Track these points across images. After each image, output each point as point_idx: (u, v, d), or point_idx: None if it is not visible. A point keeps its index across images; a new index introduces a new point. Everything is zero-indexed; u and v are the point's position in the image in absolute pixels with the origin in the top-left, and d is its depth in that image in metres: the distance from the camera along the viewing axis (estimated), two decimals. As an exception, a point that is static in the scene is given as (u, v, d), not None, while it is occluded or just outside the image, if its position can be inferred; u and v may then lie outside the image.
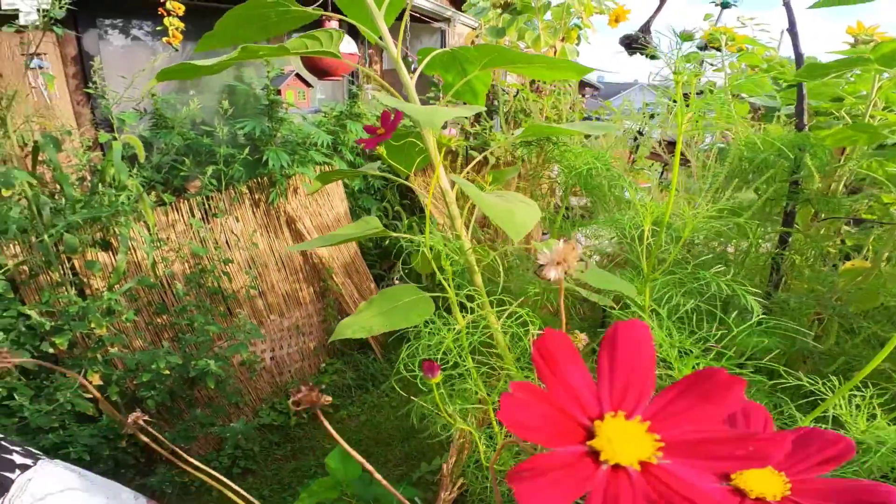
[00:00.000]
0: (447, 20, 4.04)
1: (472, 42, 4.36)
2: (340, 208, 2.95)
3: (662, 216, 0.69)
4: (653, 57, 1.81)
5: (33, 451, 0.73)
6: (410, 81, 1.01)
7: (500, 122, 4.11)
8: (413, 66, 3.63)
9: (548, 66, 0.90)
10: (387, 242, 3.20)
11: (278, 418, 2.69)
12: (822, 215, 1.20)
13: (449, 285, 0.80)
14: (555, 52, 4.13)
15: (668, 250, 0.76)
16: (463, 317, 0.88)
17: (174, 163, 2.28)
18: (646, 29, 1.53)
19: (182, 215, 2.33)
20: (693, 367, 0.58)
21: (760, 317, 0.64)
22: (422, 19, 3.73)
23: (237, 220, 2.49)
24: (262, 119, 2.46)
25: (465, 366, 0.79)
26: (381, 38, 1.03)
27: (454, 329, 0.80)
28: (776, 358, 0.77)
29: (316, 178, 1.18)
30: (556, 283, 0.46)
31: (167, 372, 2.10)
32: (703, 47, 2.43)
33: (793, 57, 1.39)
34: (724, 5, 2.59)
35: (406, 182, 1.10)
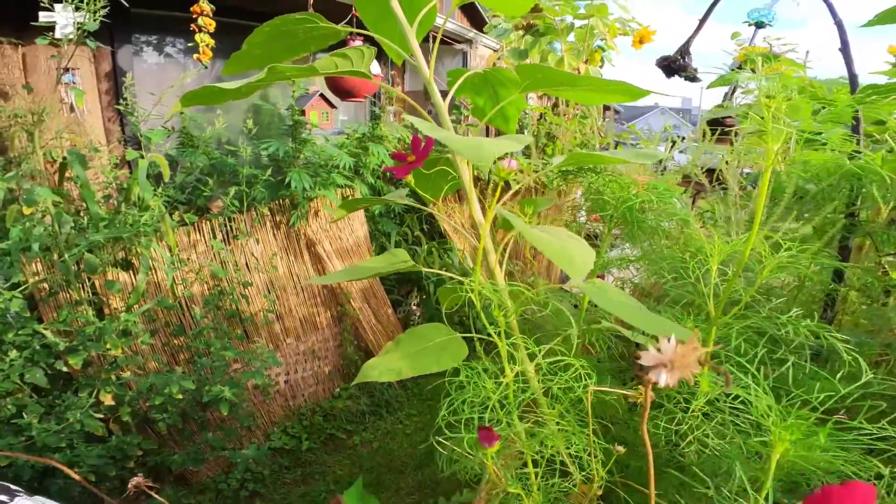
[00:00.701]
0: (469, 42, 4.04)
1: (494, 64, 4.34)
2: (360, 232, 2.91)
3: (735, 255, 0.61)
4: (693, 79, 1.73)
5: (11, 487, 0.68)
6: (443, 105, 0.95)
7: (531, 147, 4.06)
8: (440, 90, 3.61)
9: (597, 89, 0.83)
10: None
11: (290, 442, 2.63)
12: (885, 249, 1.10)
13: (498, 336, 0.73)
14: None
15: (738, 292, 0.68)
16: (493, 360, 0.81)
17: (198, 182, 2.26)
18: (685, 50, 1.47)
19: (204, 236, 2.30)
20: (798, 435, 0.50)
21: (868, 377, 0.55)
22: (444, 40, 3.73)
23: (258, 243, 2.45)
24: (286, 140, 2.44)
25: (510, 423, 0.72)
26: (411, 56, 0.98)
27: (497, 380, 0.73)
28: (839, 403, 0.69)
29: (340, 205, 1.12)
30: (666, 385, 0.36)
31: (180, 396, 2.04)
32: (739, 68, 2.34)
33: (823, 78, 1.30)
34: (759, 25, 2.51)
35: (428, 209, 1.04)
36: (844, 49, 1.60)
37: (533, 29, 3.98)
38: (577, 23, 3.88)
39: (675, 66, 1.69)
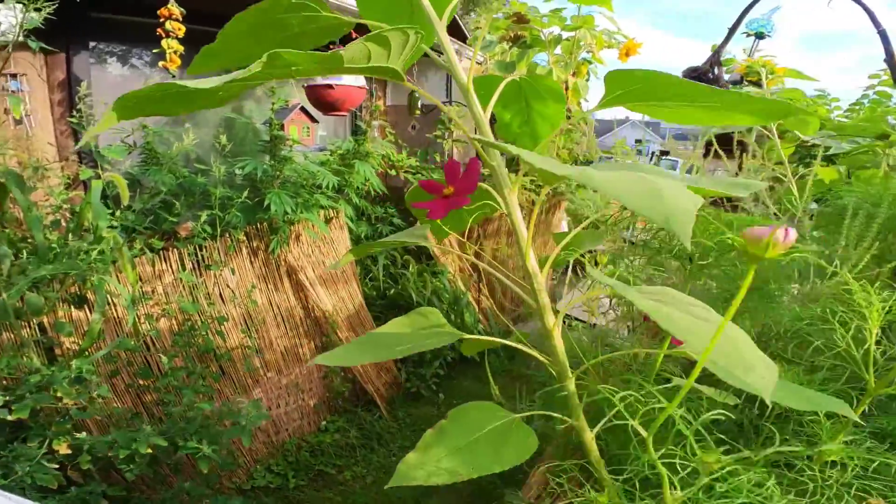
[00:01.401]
0: (456, 53, 3.84)
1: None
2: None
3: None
4: None
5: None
6: (485, 120, 0.73)
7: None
8: (420, 103, 3.40)
9: (729, 107, 0.59)
10: (392, 292, 2.90)
11: (275, 480, 2.40)
12: None
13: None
14: (566, 88, 3.93)
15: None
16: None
17: (163, 204, 1.99)
18: (715, 61, 1.28)
19: (171, 265, 2.02)
20: None
21: None
22: (427, 53, 3.52)
23: (233, 272, 2.18)
24: (264, 157, 2.19)
25: None
26: (441, 55, 0.76)
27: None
28: None
29: (352, 250, 0.90)
30: None
31: (149, 451, 1.76)
32: (738, 81, 2.21)
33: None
34: (759, 36, 2.40)
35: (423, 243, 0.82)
36: (890, 60, 1.44)
37: (520, 41, 3.82)
38: (565, 34, 3.73)
39: (705, 77, 1.52)
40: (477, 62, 4.17)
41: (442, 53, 0.77)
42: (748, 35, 2.50)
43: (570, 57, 3.84)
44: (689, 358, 0.78)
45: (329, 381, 2.83)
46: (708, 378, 1.00)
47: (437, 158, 3.29)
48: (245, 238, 2.21)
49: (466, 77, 0.73)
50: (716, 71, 1.34)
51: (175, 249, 1.96)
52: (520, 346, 0.73)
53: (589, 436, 0.70)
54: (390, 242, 0.84)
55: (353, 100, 2.70)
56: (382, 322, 3.23)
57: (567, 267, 5.00)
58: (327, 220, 2.51)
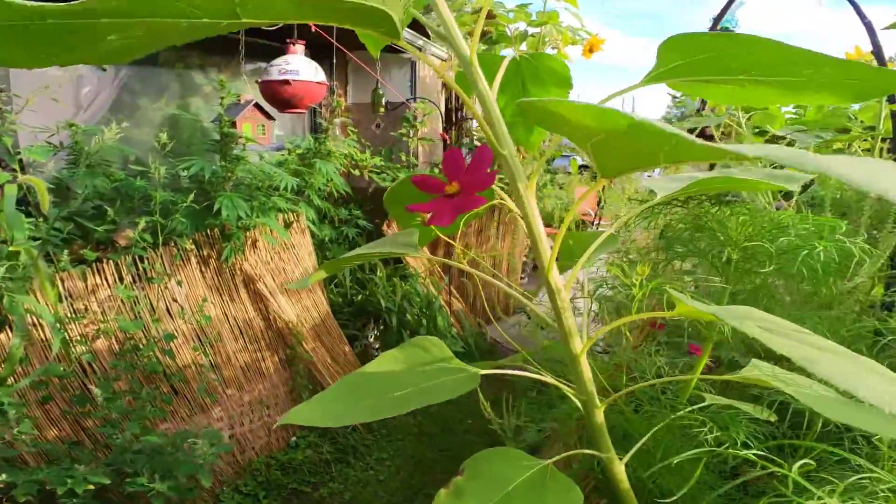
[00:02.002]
0: (418, 50, 3.66)
1: (443, 77, 3.96)
2: (308, 263, 2.43)
3: None
4: None
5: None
6: (493, 99, 0.55)
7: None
8: (385, 101, 3.20)
9: (813, 82, 0.43)
10: (360, 298, 2.69)
11: (245, 501, 2.19)
12: None
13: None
14: None
15: None
16: None
17: (96, 211, 1.74)
18: None
19: (106, 279, 1.77)
20: None
21: None
22: (394, 49, 3.33)
23: (180, 284, 1.94)
24: (213, 157, 1.96)
25: None
26: (439, 24, 0.59)
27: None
28: None
29: (323, 267, 0.74)
30: None
31: (91, 487, 1.52)
32: None
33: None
34: (724, 31, 2.33)
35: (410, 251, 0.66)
36: (877, 53, 1.37)
37: (486, 37, 3.66)
38: (531, 30, 3.60)
39: None
40: (443, 58, 4.01)
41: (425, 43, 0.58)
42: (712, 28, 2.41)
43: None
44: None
45: (297, 396, 2.62)
46: (739, 392, 0.86)
47: (403, 157, 3.10)
48: (194, 246, 1.96)
49: (469, 49, 0.56)
50: None
51: (109, 262, 1.71)
52: (549, 380, 0.58)
53: (619, 468, 0.58)
54: (370, 255, 0.66)
55: (312, 96, 2.49)
56: (350, 330, 3.03)
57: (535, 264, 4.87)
58: (287, 225, 2.28)
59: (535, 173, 0.58)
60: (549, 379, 0.57)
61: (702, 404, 0.65)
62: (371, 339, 3.10)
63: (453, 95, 3.80)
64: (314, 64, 2.52)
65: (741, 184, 0.65)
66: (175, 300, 1.93)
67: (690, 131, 2.44)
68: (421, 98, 3.50)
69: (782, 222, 0.69)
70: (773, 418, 0.66)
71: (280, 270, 2.34)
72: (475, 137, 3.80)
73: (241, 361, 2.36)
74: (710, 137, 2.22)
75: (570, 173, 4.87)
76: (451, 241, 0.74)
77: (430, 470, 2.52)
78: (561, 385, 0.56)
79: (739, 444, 0.61)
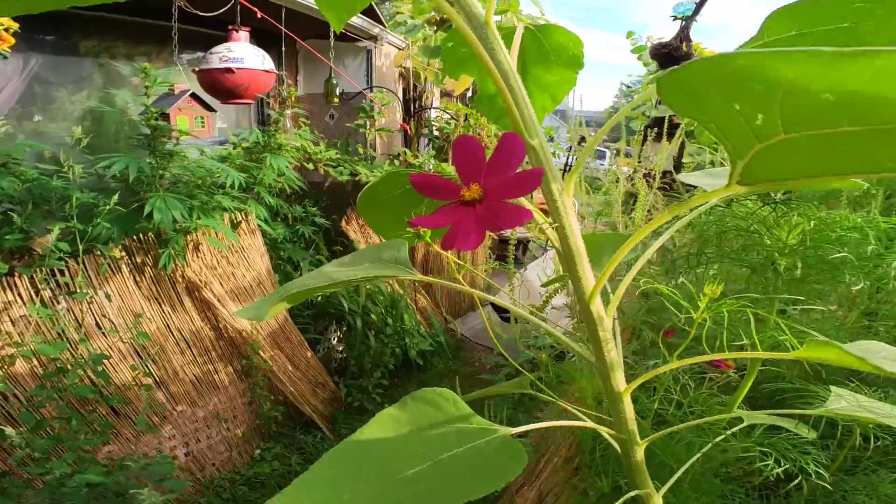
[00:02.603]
0: (374, 38, 3.44)
1: (402, 66, 3.77)
2: (261, 265, 2.21)
3: None
4: None
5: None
6: (514, 71, 0.43)
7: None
8: (340, 91, 2.98)
9: None
10: (320, 299, 2.49)
11: None
12: None
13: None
14: None
15: None
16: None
17: (3, 216, 1.49)
18: (685, 36, 0.99)
19: (20, 294, 1.52)
20: None
21: None
22: (346, 36, 3.11)
23: (109, 298, 1.70)
24: (142, 154, 1.72)
25: None
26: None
27: None
28: None
29: (288, 298, 0.55)
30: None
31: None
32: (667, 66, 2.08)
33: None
34: (686, 18, 2.26)
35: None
36: None
37: (445, 24, 3.47)
38: (494, 18, 3.42)
39: (676, 54, 1.22)
40: (400, 47, 3.81)
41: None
42: (675, 18, 2.30)
43: (497, 40, 3.55)
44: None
45: (257, 407, 2.41)
46: (771, 402, 0.72)
47: (360, 150, 2.89)
48: (125, 253, 1.73)
49: (483, 9, 0.42)
50: (685, 47, 1.04)
51: (20, 276, 1.47)
52: (601, 430, 0.48)
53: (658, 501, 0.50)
54: (348, 281, 0.49)
55: (258, 85, 2.26)
56: (312, 334, 2.82)
57: (497, 255, 4.73)
58: (234, 225, 2.06)
59: (573, 172, 0.45)
60: (591, 424, 0.48)
61: (740, 425, 0.51)
62: (334, 342, 2.90)
63: (412, 85, 3.61)
64: (261, 51, 2.29)
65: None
66: (105, 315, 1.69)
67: (658, 120, 2.33)
68: (378, 87, 3.29)
69: (857, 224, 0.57)
70: (812, 435, 0.58)
71: (229, 275, 2.11)
72: (435, 128, 3.63)
73: (191, 375, 2.13)
74: (678, 126, 2.12)
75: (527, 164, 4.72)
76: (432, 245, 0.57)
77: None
78: (602, 430, 0.47)
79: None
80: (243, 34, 2.26)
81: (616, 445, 0.48)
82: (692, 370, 0.71)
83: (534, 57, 0.60)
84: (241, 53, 2.19)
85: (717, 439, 0.55)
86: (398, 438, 0.44)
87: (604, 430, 0.48)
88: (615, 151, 2.90)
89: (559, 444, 1.28)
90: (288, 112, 2.36)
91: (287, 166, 2.22)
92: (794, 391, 0.64)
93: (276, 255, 2.35)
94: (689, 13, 2.17)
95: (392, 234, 0.61)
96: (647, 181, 1.96)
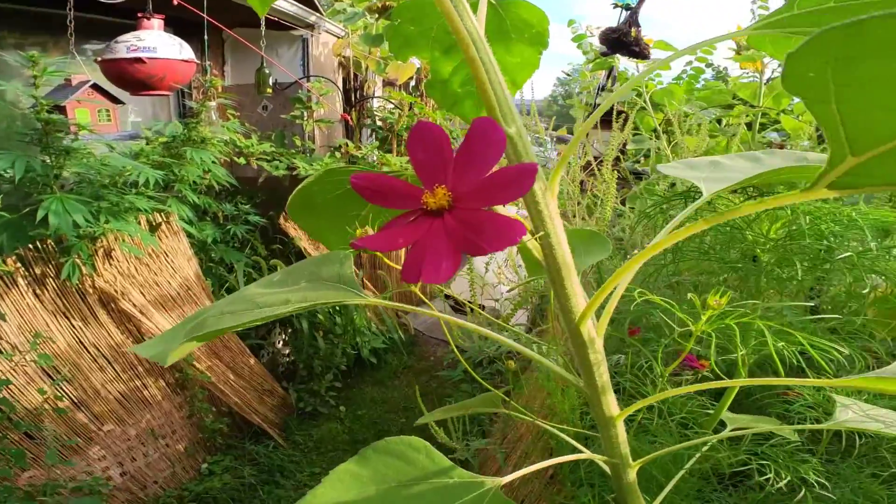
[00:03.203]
0: (311, 27, 3.25)
1: (341, 55, 3.59)
2: (188, 270, 2.02)
3: None
4: (643, 55, 1.25)
5: None
6: (497, 68, 0.38)
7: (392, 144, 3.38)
8: (273, 81, 2.78)
9: None
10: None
11: None
12: None
13: None
14: None
15: None
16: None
17: None
18: (634, 21, 0.92)
19: None
20: None
21: None
22: (280, 25, 2.91)
23: (4, 317, 1.48)
24: (33, 151, 1.51)
25: None
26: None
27: None
28: None
29: (196, 338, 0.38)
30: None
31: None
32: (609, 52, 2.05)
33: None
34: (626, 7, 2.22)
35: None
36: None
37: (388, 12, 3.31)
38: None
39: (626, 39, 1.17)
40: (337, 36, 3.62)
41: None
42: (616, 6, 2.25)
43: (441, 27, 3.42)
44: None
45: (197, 420, 2.24)
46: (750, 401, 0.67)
47: (298, 142, 2.71)
48: (20, 265, 1.52)
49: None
50: (633, 33, 0.98)
51: None
52: (596, 459, 0.46)
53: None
54: (273, 316, 0.39)
55: (176, 76, 2.06)
56: (253, 340, 2.64)
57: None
58: (153, 228, 1.87)
59: (558, 167, 0.39)
60: (587, 455, 0.46)
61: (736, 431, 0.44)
62: (279, 346, 2.73)
63: (352, 74, 3.44)
64: (178, 40, 2.10)
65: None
66: (1, 337, 1.48)
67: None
68: (316, 77, 3.10)
69: (837, 215, 0.54)
70: (795, 438, 0.57)
71: (151, 283, 1.92)
72: (378, 118, 3.47)
73: (115, 393, 1.94)
74: (620, 113, 2.07)
75: None
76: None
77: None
78: (597, 458, 0.46)
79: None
80: (156, 22, 2.07)
81: (607, 469, 0.46)
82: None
83: (493, 34, 0.53)
84: (154, 42, 2.00)
85: (705, 449, 0.53)
86: (363, 502, 0.36)
87: (598, 459, 0.45)
88: (556, 139, 2.84)
89: (528, 450, 1.20)
90: (213, 104, 2.16)
91: (213, 161, 2.03)
92: (766, 389, 0.61)
93: (206, 257, 2.16)
94: (629, 2, 2.13)
95: (332, 241, 0.54)
96: (598, 169, 1.90)
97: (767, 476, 0.54)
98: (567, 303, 0.39)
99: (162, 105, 2.48)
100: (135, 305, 1.86)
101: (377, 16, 3.30)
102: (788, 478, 0.54)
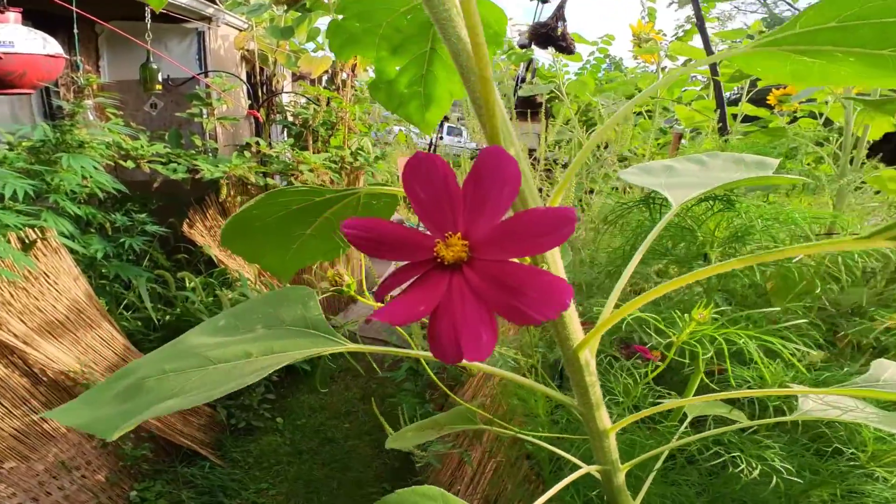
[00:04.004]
0: (208, 19, 3.01)
1: (245, 48, 3.35)
2: (76, 290, 1.79)
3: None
4: (568, 50, 1.19)
5: None
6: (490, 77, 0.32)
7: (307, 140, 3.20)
8: (165, 77, 2.54)
9: None
10: (168, 318, 2.11)
11: None
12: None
13: None
14: (355, 55, 3.34)
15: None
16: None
17: None
18: (560, 16, 0.84)
19: None
20: None
21: None
22: (172, 17, 2.65)
23: None
24: None
25: None
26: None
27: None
28: None
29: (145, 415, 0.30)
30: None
31: None
32: (527, 45, 2.05)
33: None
34: (544, 0, 2.25)
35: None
36: (700, 24, 1.35)
37: (298, 3, 3.11)
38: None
39: (553, 35, 1.10)
40: (239, 28, 3.38)
41: None
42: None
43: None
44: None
45: (115, 448, 2.04)
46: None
47: (198, 142, 2.48)
48: None
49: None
50: (561, 28, 0.92)
51: None
52: (592, 471, 0.47)
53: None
54: (238, 383, 0.33)
55: (39, 72, 1.82)
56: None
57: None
58: (26, 246, 1.63)
59: (563, 183, 0.38)
60: (586, 469, 0.46)
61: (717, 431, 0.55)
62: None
63: (258, 68, 3.22)
64: (40, 33, 1.86)
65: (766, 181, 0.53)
66: None
67: (524, 100, 2.30)
68: (216, 72, 2.87)
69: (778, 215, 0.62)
70: (744, 419, 0.60)
71: (32, 309, 1.68)
72: (290, 114, 3.27)
73: (9, 429, 1.72)
74: (540, 105, 2.05)
75: (388, 144, 4.48)
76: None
77: (325, 487, 2.12)
78: (592, 470, 0.47)
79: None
80: (12, 15, 1.84)
81: (598, 476, 0.48)
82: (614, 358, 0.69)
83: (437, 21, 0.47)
84: (10, 36, 1.78)
85: (678, 442, 0.54)
86: None
87: (594, 469, 0.46)
88: (472, 129, 2.81)
89: (493, 445, 1.16)
90: (90, 103, 1.92)
91: (95, 166, 1.81)
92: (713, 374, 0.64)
93: (96, 274, 1.92)
94: (552, -3, 2.13)
95: (273, 263, 0.52)
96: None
97: (739, 466, 0.55)
98: (565, 330, 0.39)
99: (22, 105, 2.17)
100: (16, 335, 1.62)
101: (286, 7, 3.10)
102: (759, 467, 0.55)
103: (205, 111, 2.51)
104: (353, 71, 3.42)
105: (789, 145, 1.30)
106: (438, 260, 0.27)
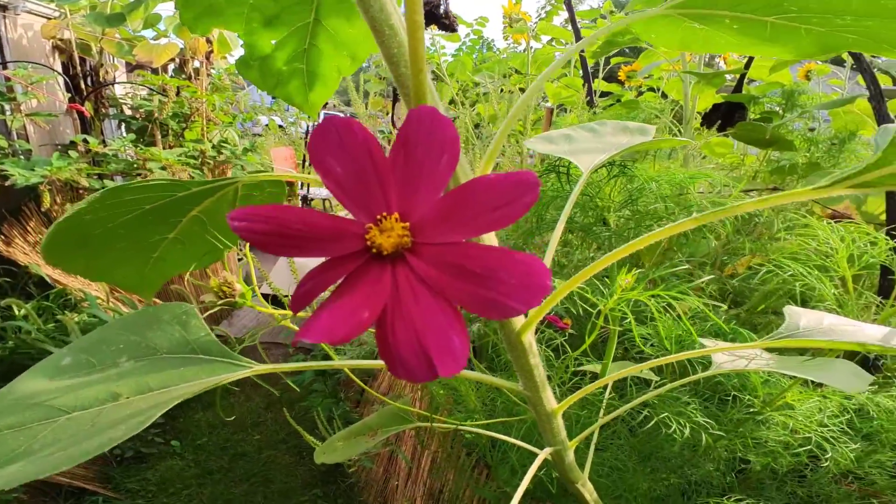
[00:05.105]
0: (3, 7, 2.51)
1: (56, 37, 2.83)
2: None
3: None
4: (451, 28, 1.08)
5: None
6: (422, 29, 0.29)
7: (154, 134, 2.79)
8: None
9: (830, 31, 0.36)
10: (11, 343, 1.71)
11: None
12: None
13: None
14: (209, 42, 2.98)
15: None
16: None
17: None
18: None
19: None
20: None
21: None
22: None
23: None
24: None
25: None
26: None
27: None
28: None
29: None
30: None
31: None
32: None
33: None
34: None
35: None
36: (567, 4, 1.38)
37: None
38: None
39: (438, 13, 0.95)
40: (46, 17, 2.85)
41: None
42: None
43: None
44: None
45: (37, 482, 1.61)
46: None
47: (3, 144, 2.02)
48: None
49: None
50: (443, 4, 0.76)
51: None
52: (547, 456, 0.48)
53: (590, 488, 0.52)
54: (110, 438, 0.25)
55: None
56: None
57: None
58: None
59: (495, 149, 0.38)
60: (541, 452, 0.47)
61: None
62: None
63: (77, 59, 2.73)
64: None
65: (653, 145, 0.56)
66: None
67: None
68: (19, 64, 2.38)
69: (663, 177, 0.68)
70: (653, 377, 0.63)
71: None
72: (129, 106, 2.84)
73: None
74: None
75: (259, 135, 4.16)
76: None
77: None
78: (546, 454, 0.47)
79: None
80: None
81: (550, 458, 0.48)
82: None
83: (331, 4, 0.46)
84: None
85: (615, 413, 0.54)
86: None
87: (547, 453, 0.46)
88: (351, 115, 2.68)
89: (424, 438, 1.10)
90: None
91: None
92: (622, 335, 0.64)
93: None
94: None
95: (124, 277, 0.43)
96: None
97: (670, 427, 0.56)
98: (522, 346, 0.41)
99: None
100: None
101: (115, -8, 2.65)
102: (688, 427, 0.55)
103: (7, 107, 2.05)
104: (207, 58, 3.05)
105: (641, 117, 1.39)
106: (374, 250, 0.22)
